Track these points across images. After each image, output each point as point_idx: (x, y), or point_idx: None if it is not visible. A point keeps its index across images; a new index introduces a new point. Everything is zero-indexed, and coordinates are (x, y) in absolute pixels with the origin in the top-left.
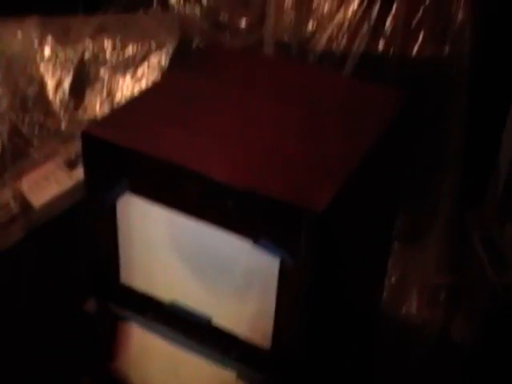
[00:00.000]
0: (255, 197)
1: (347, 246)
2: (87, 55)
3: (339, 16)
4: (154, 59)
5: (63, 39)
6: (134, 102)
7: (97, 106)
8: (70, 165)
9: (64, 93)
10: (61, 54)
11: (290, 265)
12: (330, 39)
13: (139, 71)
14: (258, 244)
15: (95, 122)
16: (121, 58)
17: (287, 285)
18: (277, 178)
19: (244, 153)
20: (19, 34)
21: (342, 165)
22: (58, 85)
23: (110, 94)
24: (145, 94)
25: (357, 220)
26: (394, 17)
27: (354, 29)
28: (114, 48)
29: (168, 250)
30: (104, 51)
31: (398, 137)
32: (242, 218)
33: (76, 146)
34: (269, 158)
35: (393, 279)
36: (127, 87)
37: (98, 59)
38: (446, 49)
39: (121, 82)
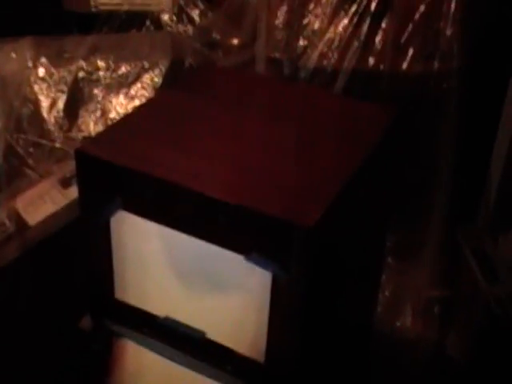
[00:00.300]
0: (246, 212)
1: (339, 260)
2: (81, 75)
3: (330, 33)
4: (147, 78)
5: (57, 59)
6: (127, 120)
7: (91, 125)
8: (65, 183)
9: (58, 112)
10: (55, 74)
11: (282, 279)
12: (321, 56)
13: (132, 90)
14: (249, 259)
15: (89, 140)
16: (114, 78)
17: (280, 299)
18: (268, 194)
19: (235, 171)
20: (13, 55)
21: (333, 181)
22: (53, 104)
23: (104, 113)
24: (138, 112)
25: (348, 235)
26: (384, 33)
27: (345, 45)
28: (107, 68)
29: (161, 265)
30: (98, 71)
31: (388, 152)
32: (234, 233)
33: (70, 165)
34: (260, 175)
35: (386, 293)
36: (121, 106)
37: (91, 79)
38: (436, 64)
39: (114, 101)
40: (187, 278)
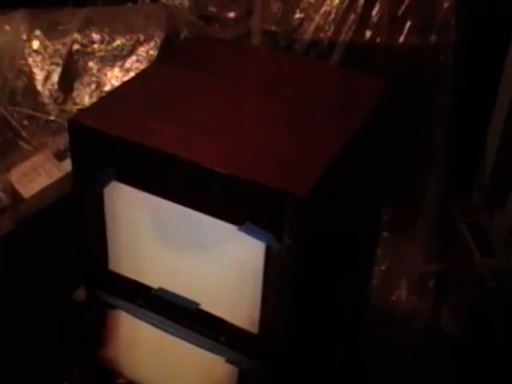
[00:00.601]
0: (239, 182)
1: (332, 231)
2: (76, 47)
3: (326, 5)
4: (142, 51)
5: (51, 32)
6: (121, 91)
7: (86, 98)
8: (59, 156)
9: (53, 85)
10: (49, 47)
11: (275, 249)
12: (317, 28)
13: (127, 63)
14: (243, 229)
15: (82, 110)
16: (109, 50)
17: (273, 269)
18: (261, 164)
19: (229, 141)
20: (7, 27)
21: (327, 151)
22: (47, 77)
23: (99, 86)
24: (131, 83)
25: (341, 206)
26: (380, 6)
27: (341, 18)
28: (102, 40)
29: (155, 236)
30: (92, 43)
31: (382, 125)
32: (227, 203)
33: (65, 138)
34: (253, 145)
35: (382, 267)
36: (116, 79)
37: (86, 51)
38: (432, 37)
39: (109, 74)
40: (181, 249)
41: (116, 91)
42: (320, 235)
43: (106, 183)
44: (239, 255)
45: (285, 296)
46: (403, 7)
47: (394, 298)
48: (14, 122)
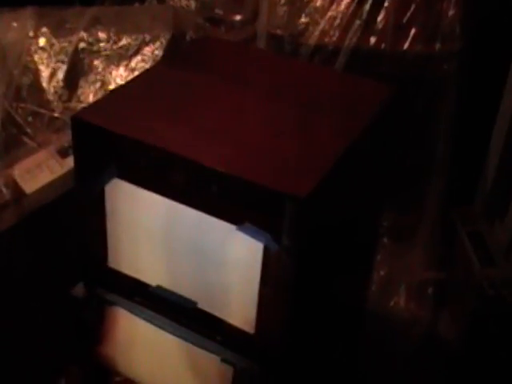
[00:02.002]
0: (240, 182)
1: (331, 234)
2: (82, 46)
3: (332, 11)
4: (147, 51)
5: (58, 30)
6: (125, 89)
7: (90, 96)
8: (63, 153)
9: (58, 82)
10: (55, 44)
11: (273, 250)
12: (323, 33)
13: (133, 63)
14: (242, 229)
15: (85, 108)
16: (115, 50)
17: (271, 270)
18: (262, 165)
19: (230, 142)
20: (14, 24)
21: (328, 155)
22: (53, 74)
23: (104, 84)
24: (135, 82)
25: (341, 210)
26: (386, 12)
27: (346, 24)
28: (108, 39)
29: (154, 234)
30: (98, 42)
31: (384, 131)
32: (227, 203)
33: (68, 135)
34: (255, 146)
35: (381, 273)
36: (121, 78)
37: (92, 50)
38: (437, 46)
39: (114, 73)
40: (180, 248)
41: (120, 90)
42: (319, 238)
43: (107, 180)
44: (237, 255)
45: (282, 297)
46: (409, 14)
47: (392, 304)
48: (18, 118)
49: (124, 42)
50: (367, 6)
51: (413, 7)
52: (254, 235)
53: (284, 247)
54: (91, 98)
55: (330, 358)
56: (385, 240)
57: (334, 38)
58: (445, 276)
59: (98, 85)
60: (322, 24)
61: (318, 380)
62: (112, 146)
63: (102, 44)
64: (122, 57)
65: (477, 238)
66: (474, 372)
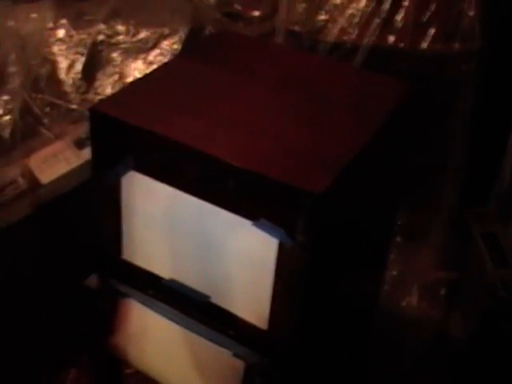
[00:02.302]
0: (255, 177)
1: (345, 231)
2: (100, 38)
3: (351, 8)
4: (166, 45)
5: (77, 21)
6: (142, 82)
7: (108, 88)
8: (79, 144)
9: (76, 74)
10: (74, 36)
11: (288, 246)
12: (341, 31)
13: (151, 56)
14: (257, 224)
15: (103, 100)
16: (133, 42)
17: (285, 266)
18: (278, 160)
19: (247, 136)
20: (34, 15)
21: (344, 151)
22: (71, 66)
23: (122, 77)
24: (153, 75)
25: (356, 207)
26: (405, 11)
27: (365, 21)
28: (127, 32)
29: (169, 227)
30: (117, 35)
31: (401, 128)
32: (243, 198)
33: (85, 127)
34: (271, 141)
35: (394, 272)
36: (139, 71)
37: (110, 42)
38: (456, 45)
39: (132, 65)
40: (194, 241)
41: (138, 82)
42: (333, 234)
43: (124, 172)
44: (252, 250)
45: (295, 294)
46: (428, 13)
47: (404, 303)
48: (36, 109)
49: (142, 35)
50: (387, 5)
51: (432, 6)
52: (269, 231)
53: (298, 243)
54: (108, 90)
55: (339, 355)
56: (398, 239)
57: (353, 36)
58: (457, 276)
59: (115, 77)
60: (341, 21)
61: (327, 377)
62: (129, 138)
63: (120, 37)
64: (140, 50)
65: (490, 238)
66: (484, 372)
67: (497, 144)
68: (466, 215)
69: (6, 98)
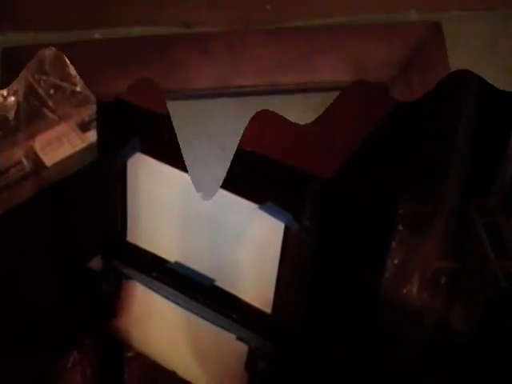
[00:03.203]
0: (263, 160)
1: (351, 217)
2: None
3: None
4: None
5: None
6: None
7: None
8: (84, 127)
9: None
10: None
11: (294, 230)
12: None
13: None
14: (263, 208)
15: None
16: None
17: (291, 251)
18: (286, 145)
19: (254, 120)
20: None
21: (352, 138)
22: None
23: None
24: None
25: (362, 193)
26: None
27: None
28: None
29: (174, 210)
30: None
31: (407, 118)
32: (250, 181)
33: (90, 110)
34: (279, 126)
35: (395, 261)
36: None
37: None
38: None
39: None
40: (199, 225)
41: None
42: (339, 220)
43: (130, 154)
44: (258, 234)
45: (300, 278)
46: None
47: (404, 292)
48: (40, 91)
49: None
50: None
51: None
52: (275, 215)
53: (305, 228)
54: None
55: (341, 342)
56: (400, 227)
57: None
58: (459, 266)
59: None
60: None
61: (329, 363)
62: (135, 119)
63: None
64: None
65: (493, 229)
66: (485, 363)
67: (501, 134)
68: (469, 206)
69: None
